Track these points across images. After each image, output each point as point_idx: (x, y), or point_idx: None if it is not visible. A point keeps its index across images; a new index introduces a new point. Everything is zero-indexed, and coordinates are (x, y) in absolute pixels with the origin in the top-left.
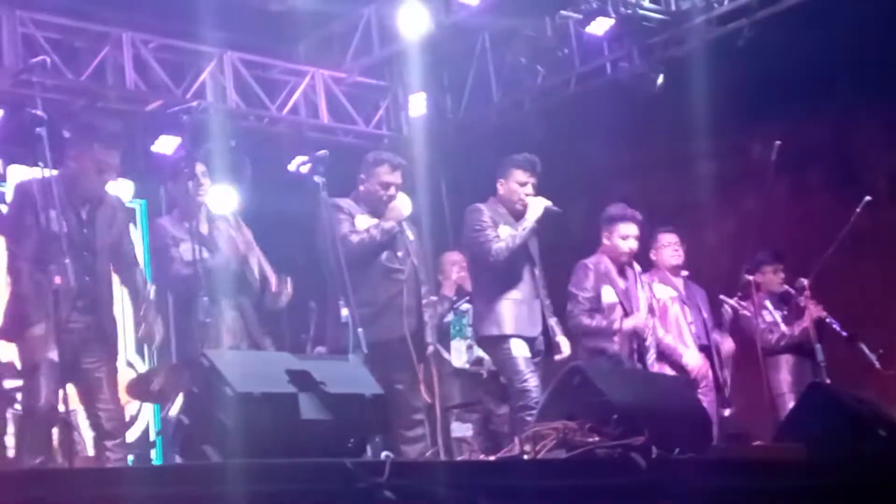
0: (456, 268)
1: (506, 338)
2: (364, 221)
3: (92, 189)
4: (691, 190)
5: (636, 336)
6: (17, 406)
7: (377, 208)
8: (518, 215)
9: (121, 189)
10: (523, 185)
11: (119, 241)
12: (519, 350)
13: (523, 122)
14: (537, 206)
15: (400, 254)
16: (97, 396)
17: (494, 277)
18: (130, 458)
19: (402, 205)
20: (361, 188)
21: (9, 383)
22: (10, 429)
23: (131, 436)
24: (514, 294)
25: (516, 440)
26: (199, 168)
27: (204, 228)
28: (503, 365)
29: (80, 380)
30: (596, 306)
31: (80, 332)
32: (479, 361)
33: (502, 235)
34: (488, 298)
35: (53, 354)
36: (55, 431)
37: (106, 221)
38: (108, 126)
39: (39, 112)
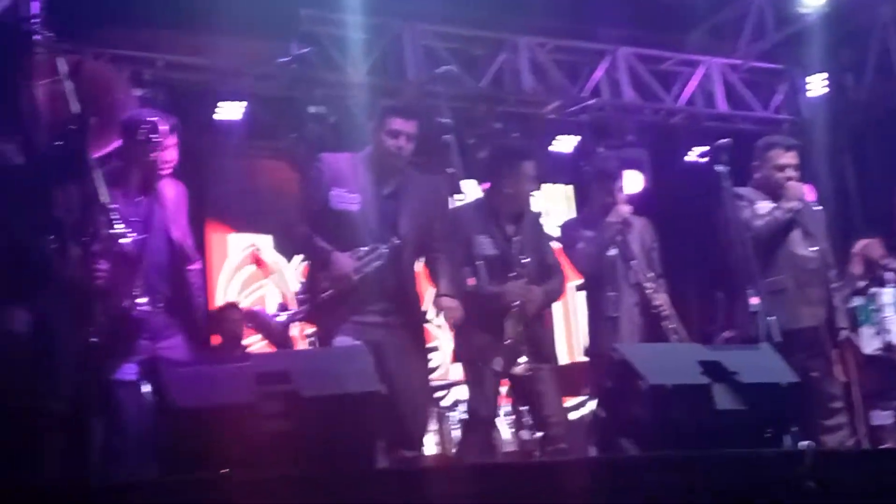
0: (861, 252)
1: None
2: (765, 207)
3: (519, 205)
4: None
5: None
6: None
7: (776, 193)
8: None
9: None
10: None
11: (542, 251)
12: None
13: None
14: None
15: (807, 237)
16: (540, 400)
17: None
18: None
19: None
20: (757, 175)
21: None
22: (434, 426)
23: None
24: None
25: None
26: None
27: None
28: None
29: (516, 383)
30: None
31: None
32: (889, 347)
33: None
34: None
35: (497, 363)
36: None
37: (530, 234)
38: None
39: (446, 120)
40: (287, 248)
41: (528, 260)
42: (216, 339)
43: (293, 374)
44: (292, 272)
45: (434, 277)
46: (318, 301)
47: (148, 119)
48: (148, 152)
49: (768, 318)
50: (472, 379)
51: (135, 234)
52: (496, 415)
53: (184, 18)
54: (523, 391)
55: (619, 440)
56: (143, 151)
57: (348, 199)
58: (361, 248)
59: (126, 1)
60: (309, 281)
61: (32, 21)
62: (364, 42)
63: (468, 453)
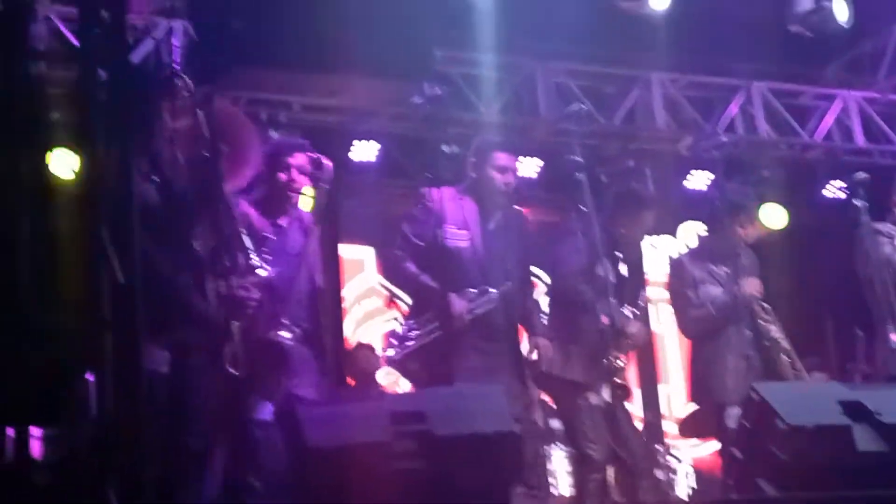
0: None
1: None
2: None
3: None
4: None
5: None
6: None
7: None
8: None
9: None
10: None
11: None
12: None
13: None
14: None
15: None
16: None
17: None
18: None
19: None
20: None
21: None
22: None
23: None
24: None
25: None
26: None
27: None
28: None
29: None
30: None
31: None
32: None
33: None
34: None
35: (597, 399)
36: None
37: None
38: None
39: (578, 158)
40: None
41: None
42: (350, 381)
43: (427, 413)
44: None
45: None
46: (426, 341)
47: (297, 147)
48: (295, 180)
49: None
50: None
51: (271, 265)
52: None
53: (318, 61)
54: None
55: (758, 481)
56: (290, 179)
57: (458, 236)
58: (471, 290)
59: (261, 45)
60: (416, 320)
61: (172, 66)
62: (497, 81)
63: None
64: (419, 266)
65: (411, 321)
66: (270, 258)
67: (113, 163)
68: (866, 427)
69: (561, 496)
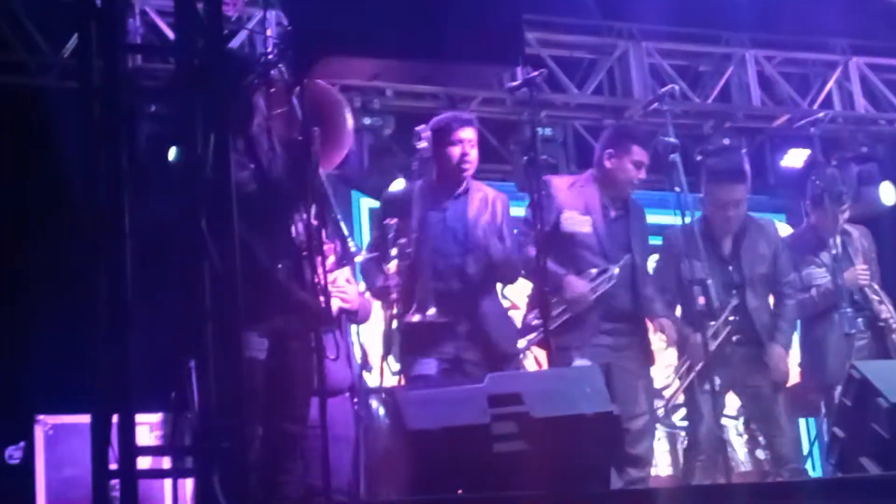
0: None
1: None
2: None
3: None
4: None
5: None
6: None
7: None
8: None
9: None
10: None
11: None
12: None
13: None
14: None
15: None
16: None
17: None
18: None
19: None
20: None
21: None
22: (666, 447)
23: None
24: None
25: None
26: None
27: (836, 246)
28: None
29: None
30: None
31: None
32: None
33: None
34: None
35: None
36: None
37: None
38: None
39: (673, 139)
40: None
41: None
42: None
43: (525, 395)
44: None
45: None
46: (552, 324)
47: (465, 121)
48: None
49: None
50: (688, 398)
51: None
52: (718, 434)
53: (410, 46)
54: (754, 409)
55: (861, 459)
56: (462, 154)
57: (580, 222)
58: (592, 270)
59: (354, 32)
60: (540, 304)
61: (266, 55)
62: (589, 62)
63: (690, 475)
64: (542, 252)
65: (534, 307)
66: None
67: (211, 152)
68: None
69: (659, 476)
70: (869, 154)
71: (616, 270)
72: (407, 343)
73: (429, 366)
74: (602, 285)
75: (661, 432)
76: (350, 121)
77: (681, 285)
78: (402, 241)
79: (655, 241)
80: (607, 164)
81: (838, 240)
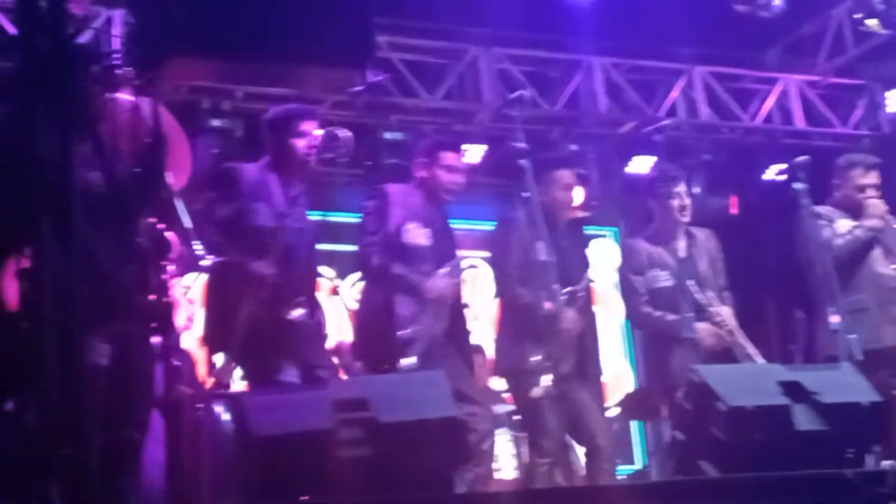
0: None
1: None
2: (845, 225)
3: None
4: None
5: None
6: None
7: (856, 212)
8: None
9: None
10: None
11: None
12: None
13: None
14: None
15: (888, 256)
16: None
17: None
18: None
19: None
20: (837, 194)
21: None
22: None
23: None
24: None
25: None
26: (681, 188)
27: (681, 249)
28: None
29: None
30: None
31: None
32: None
33: None
34: None
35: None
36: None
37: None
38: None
39: (521, 144)
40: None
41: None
42: None
43: (371, 400)
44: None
45: None
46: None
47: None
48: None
49: (849, 337)
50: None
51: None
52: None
53: (260, 48)
54: (566, 412)
55: (699, 462)
56: (305, 147)
57: (420, 234)
58: (440, 270)
59: (202, 33)
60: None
61: (113, 55)
62: (440, 67)
63: (534, 477)
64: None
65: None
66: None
67: (53, 151)
68: (805, 407)
69: (504, 479)
70: (712, 161)
71: (457, 261)
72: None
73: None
74: (456, 275)
75: (507, 436)
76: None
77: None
78: None
79: None
80: (423, 173)
81: (683, 243)
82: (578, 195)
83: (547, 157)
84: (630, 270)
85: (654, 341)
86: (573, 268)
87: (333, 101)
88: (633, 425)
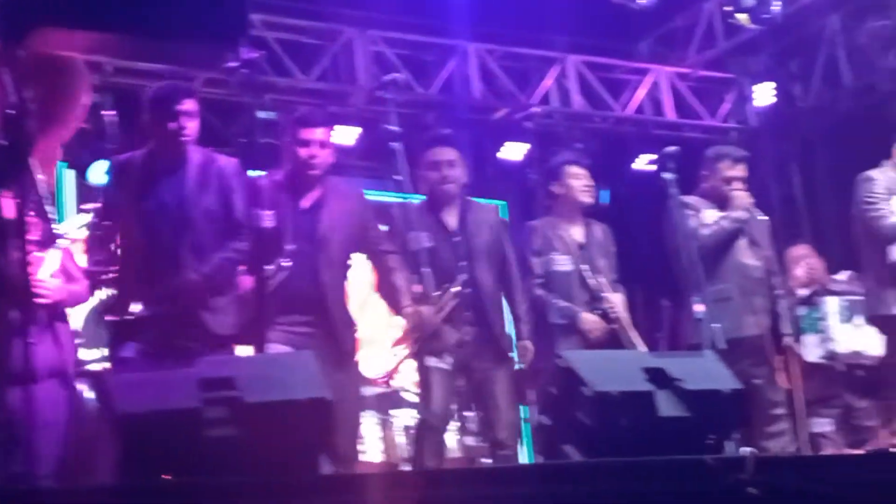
0: (803, 262)
1: None
2: (712, 216)
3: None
4: None
5: None
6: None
7: (722, 203)
8: None
9: None
10: None
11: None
12: None
13: (878, 106)
14: None
15: (753, 246)
16: (488, 403)
17: (884, 253)
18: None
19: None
20: (704, 185)
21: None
22: (377, 433)
23: None
24: None
25: (886, 433)
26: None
27: (580, 235)
28: (893, 348)
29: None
30: None
31: (470, 344)
32: (832, 356)
33: None
34: (878, 276)
35: (445, 363)
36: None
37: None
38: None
39: (394, 127)
40: None
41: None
42: None
43: (238, 379)
44: None
45: (388, 285)
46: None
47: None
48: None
49: (713, 326)
50: (421, 382)
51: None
52: (446, 419)
53: (132, 22)
54: (476, 394)
55: (563, 447)
56: (179, 127)
57: (265, 217)
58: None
59: (72, 4)
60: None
61: None
62: (314, 47)
63: (420, 460)
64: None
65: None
66: None
67: None
68: (668, 394)
69: (371, 462)
70: (583, 150)
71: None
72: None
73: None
74: (277, 275)
75: (374, 418)
76: (87, 95)
77: (407, 256)
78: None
79: None
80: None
81: (582, 229)
82: (461, 173)
83: (425, 136)
84: (529, 251)
85: (541, 325)
86: (464, 251)
87: (206, 78)
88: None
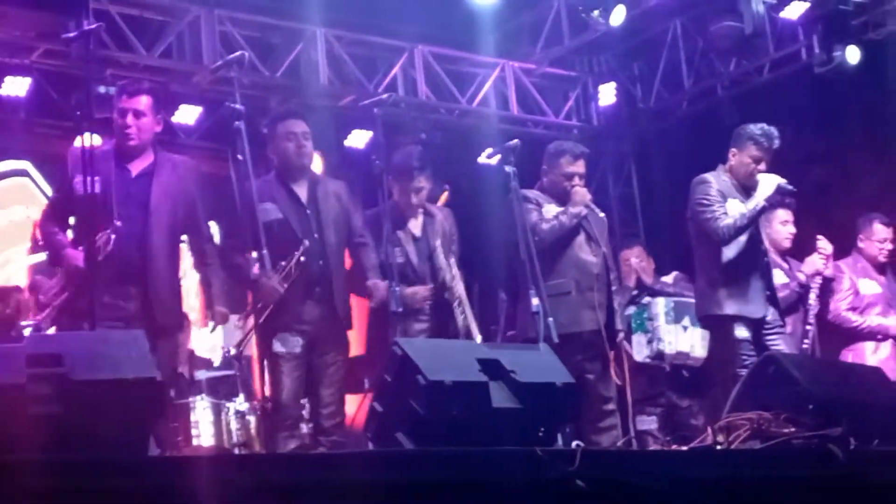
0: (635, 261)
1: (728, 318)
2: (552, 210)
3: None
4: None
5: None
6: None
7: (562, 198)
8: (746, 188)
9: None
10: (758, 161)
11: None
12: (741, 333)
13: (716, 110)
14: (769, 184)
15: (591, 242)
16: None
17: (717, 255)
18: None
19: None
20: (545, 179)
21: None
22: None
23: None
24: (738, 273)
25: (709, 430)
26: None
27: (417, 228)
28: (722, 347)
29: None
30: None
31: (317, 322)
32: (660, 356)
33: (731, 212)
34: (710, 277)
35: (294, 346)
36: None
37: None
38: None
39: (238, 106)
40: None
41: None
42: None
43: (66, 356)
44: None
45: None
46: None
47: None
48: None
49: (548, 320)
50: (271, 363)
51: None
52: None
53: None
54: (310, 379)
55: (396, 434)
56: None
57: (91, 184)
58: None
59: None
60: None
61: None
62: (159, 24)
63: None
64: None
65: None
66: None
67: None
68: (502, 385)
69: (201, 445)
70: (428, 141)
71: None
72: None
73: None
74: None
75: (205, 403)
76: None
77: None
78: None
79: None
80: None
81: (420, 221)
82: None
83: (276, 112)
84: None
85: (375, 314)
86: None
87: (45, 49)
88: None
